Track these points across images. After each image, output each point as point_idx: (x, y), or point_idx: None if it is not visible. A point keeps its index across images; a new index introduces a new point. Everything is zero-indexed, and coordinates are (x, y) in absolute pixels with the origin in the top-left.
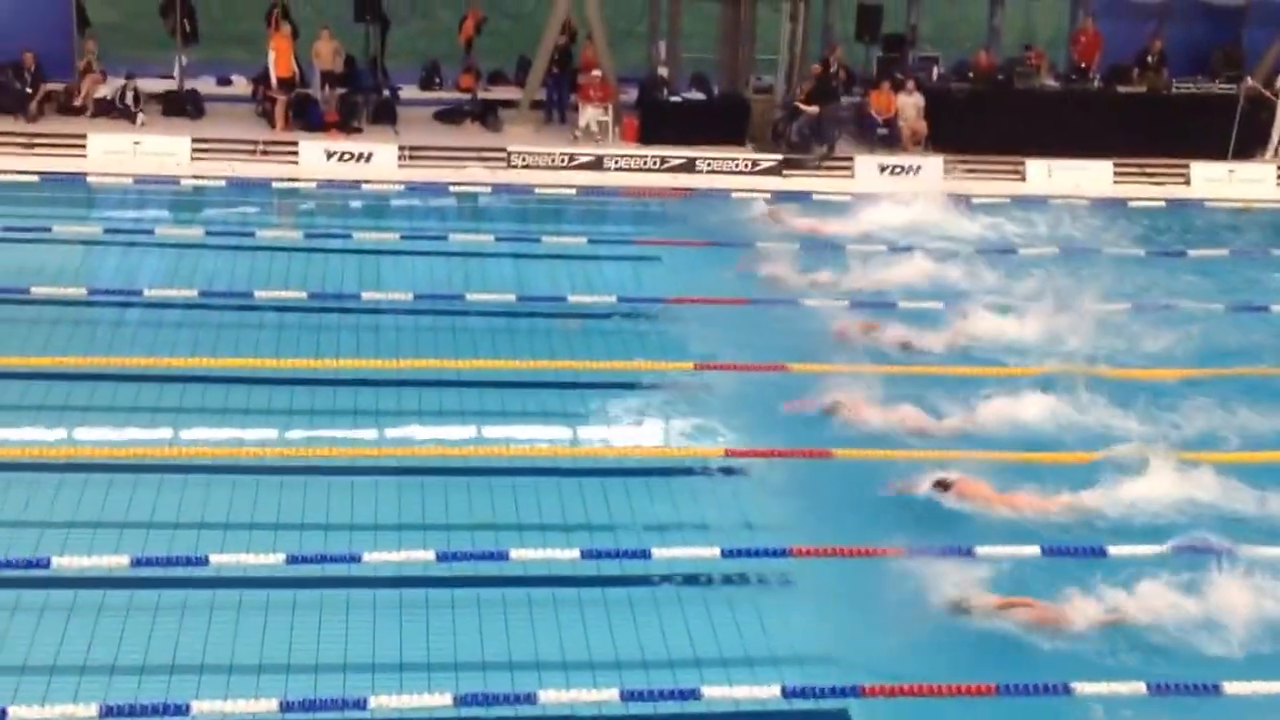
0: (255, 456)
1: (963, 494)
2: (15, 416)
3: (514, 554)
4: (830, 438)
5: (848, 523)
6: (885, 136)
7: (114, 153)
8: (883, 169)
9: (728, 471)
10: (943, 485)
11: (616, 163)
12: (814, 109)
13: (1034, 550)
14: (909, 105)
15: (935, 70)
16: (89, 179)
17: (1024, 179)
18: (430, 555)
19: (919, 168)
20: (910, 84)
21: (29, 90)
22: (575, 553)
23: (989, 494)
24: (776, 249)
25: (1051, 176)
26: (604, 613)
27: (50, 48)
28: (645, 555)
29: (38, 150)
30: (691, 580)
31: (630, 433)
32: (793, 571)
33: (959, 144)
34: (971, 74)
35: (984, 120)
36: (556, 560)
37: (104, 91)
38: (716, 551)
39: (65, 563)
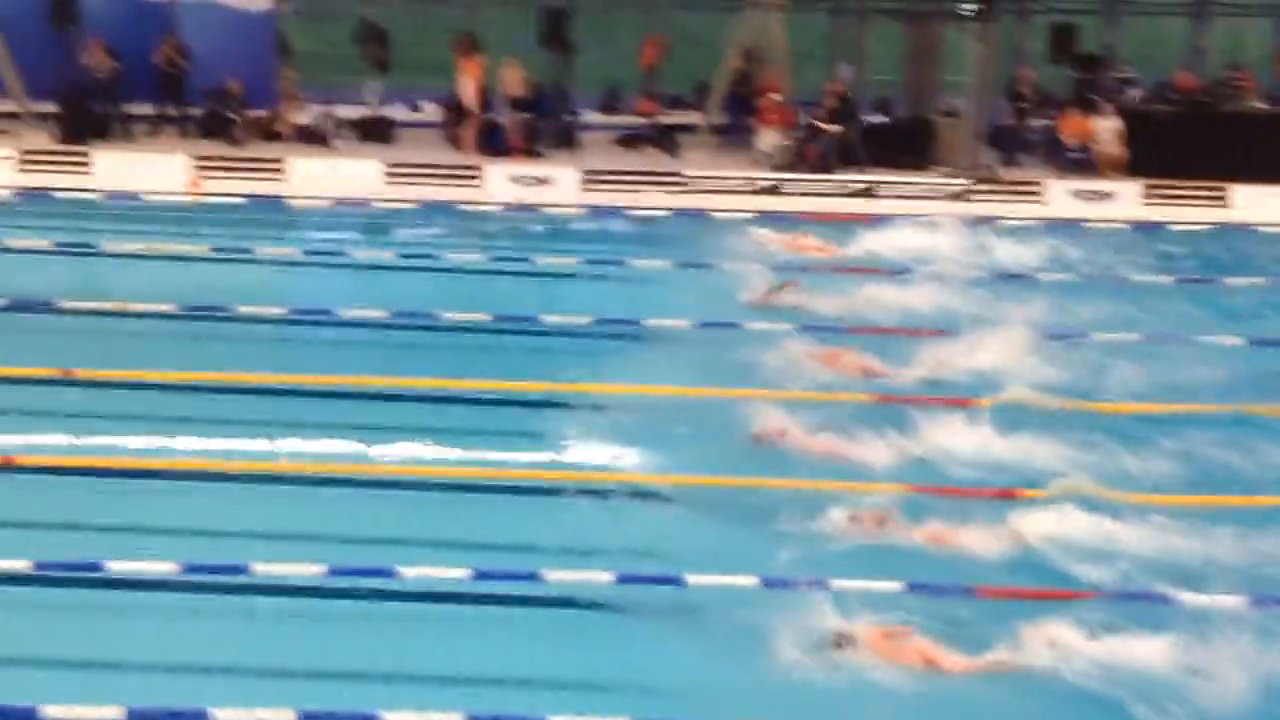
0: (440, 475)
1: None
2: (218, 428)
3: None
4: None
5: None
6: (1079, 161)
7: (312, 176)
8: (1075, 194)
9: None
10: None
11: (796, 187)
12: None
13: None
14: (1105, 129)
15: (1133, 92)
16: (289, 201)
17: (1228, 206)
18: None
19: (1114, 193)
20: (1106, 107)
21: (234, 117)
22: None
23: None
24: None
25: (1258, 204)
26: None
27: (254, 76)
28: None
29: (242, 174)
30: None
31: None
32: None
33: (1159, 169)
34: (1173, 96)
35: (1186, 144)
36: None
37: (303, 118)
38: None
39: (263, 569)
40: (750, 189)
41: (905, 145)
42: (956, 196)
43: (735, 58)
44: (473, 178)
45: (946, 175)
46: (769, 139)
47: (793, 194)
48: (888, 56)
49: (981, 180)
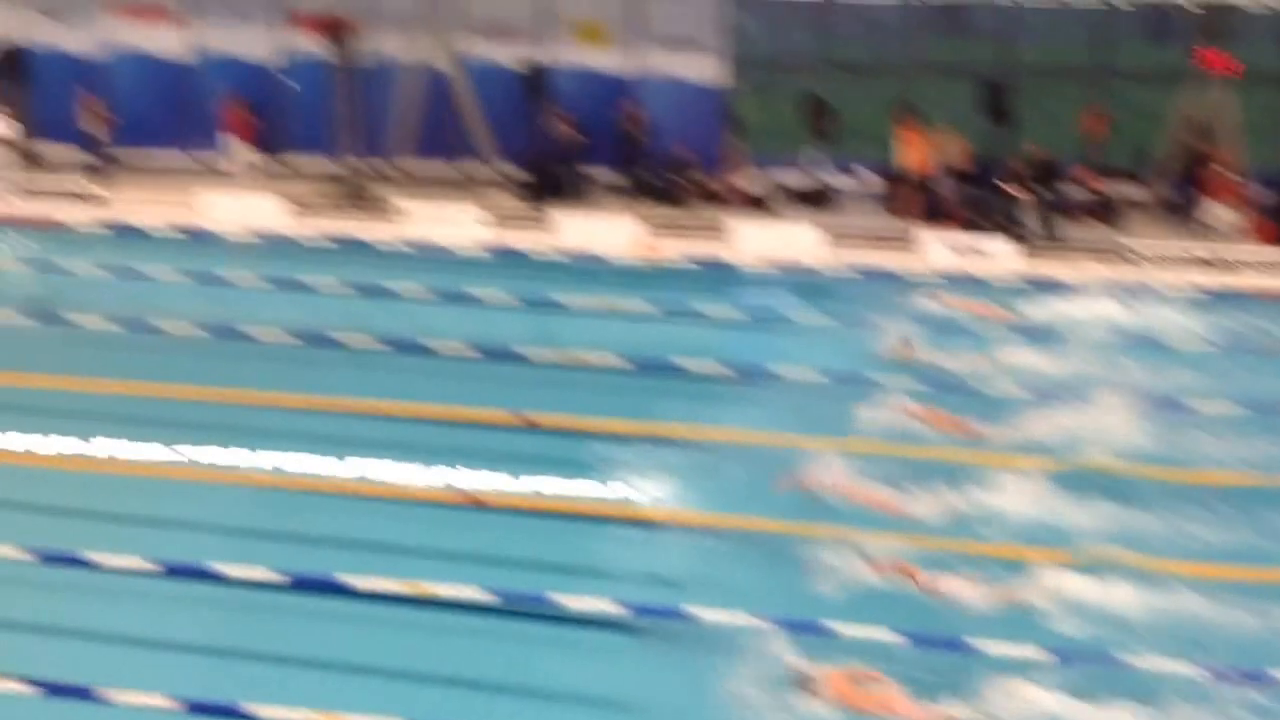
0: None
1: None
2: (660, 476)
3: None
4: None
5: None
6: None
7: (753, 240)
8: None
9: None
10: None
11: (1246, 264)
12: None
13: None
14: None
15: None
16: (731, 264)
17: None
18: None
19: None
20: None
21: (684, 182)
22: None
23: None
24: None
25: None
26: None
27: (704, 144)
28: None
29: (689, 236)
30: None
31: None
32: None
33: None
34: None
35: None
36: None
37: (748, 184)
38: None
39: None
40: (1197, 263)
41: None
42: None
43: (1182, 130)
44: (911, 244)
45: None
46: (1217, 212)
47: (1243, 271)
48: None
49: None
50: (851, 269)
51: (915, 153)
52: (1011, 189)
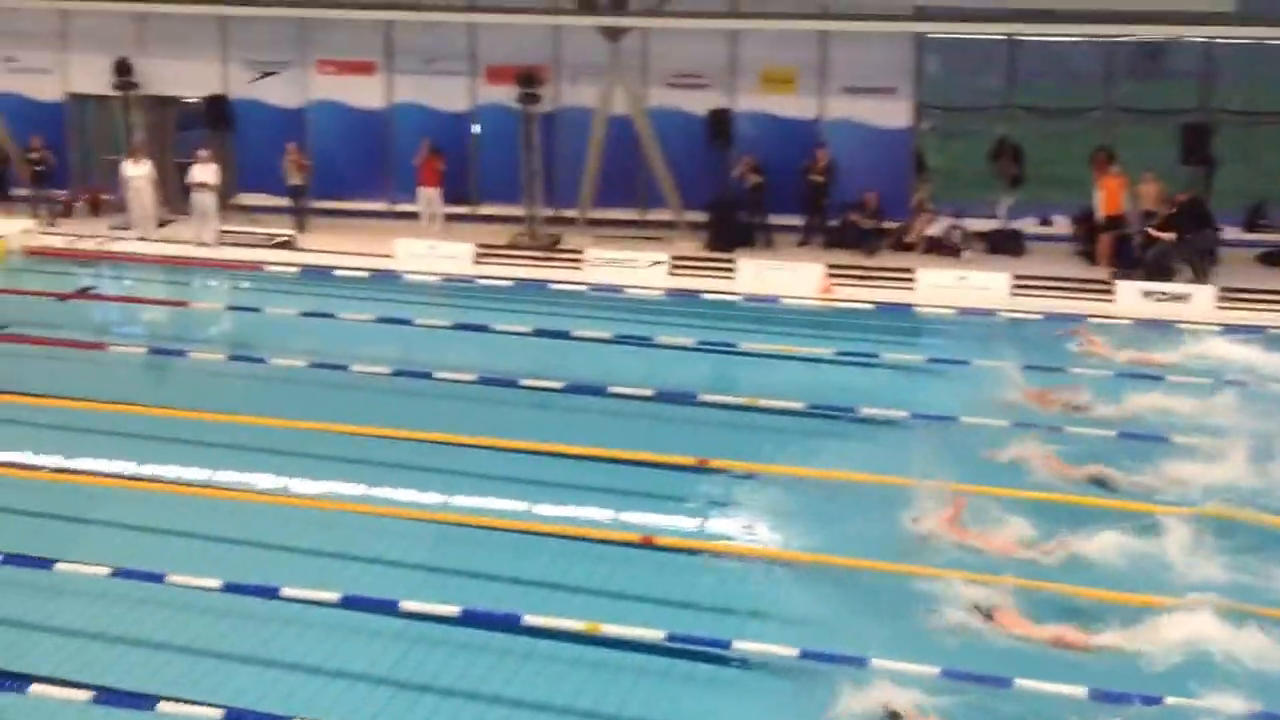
0: None
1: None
2: (825, 523)
3: None
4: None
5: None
6: None
7: (940, 286)
8: None
9: None
10: (985, 615)
11: None
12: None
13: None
14: None
15: None
16: (916, 309)
17: None
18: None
19: None
20: None
21: (869, 227)
22: None
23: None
24: None
25: None
26: None
27: (890, 189)
28: None
29: (873, 282)
30: None
31: None
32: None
33: None
34: None
35: None
36: None
37: (934, 230)
38: None
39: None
40: None
41: None
42: None
43: None
44: (1104, 291)
45: None
46: None
47: None
48: None
49: None
50: (1040, 315)
51: (1111, 197)
52: (1162, 234)
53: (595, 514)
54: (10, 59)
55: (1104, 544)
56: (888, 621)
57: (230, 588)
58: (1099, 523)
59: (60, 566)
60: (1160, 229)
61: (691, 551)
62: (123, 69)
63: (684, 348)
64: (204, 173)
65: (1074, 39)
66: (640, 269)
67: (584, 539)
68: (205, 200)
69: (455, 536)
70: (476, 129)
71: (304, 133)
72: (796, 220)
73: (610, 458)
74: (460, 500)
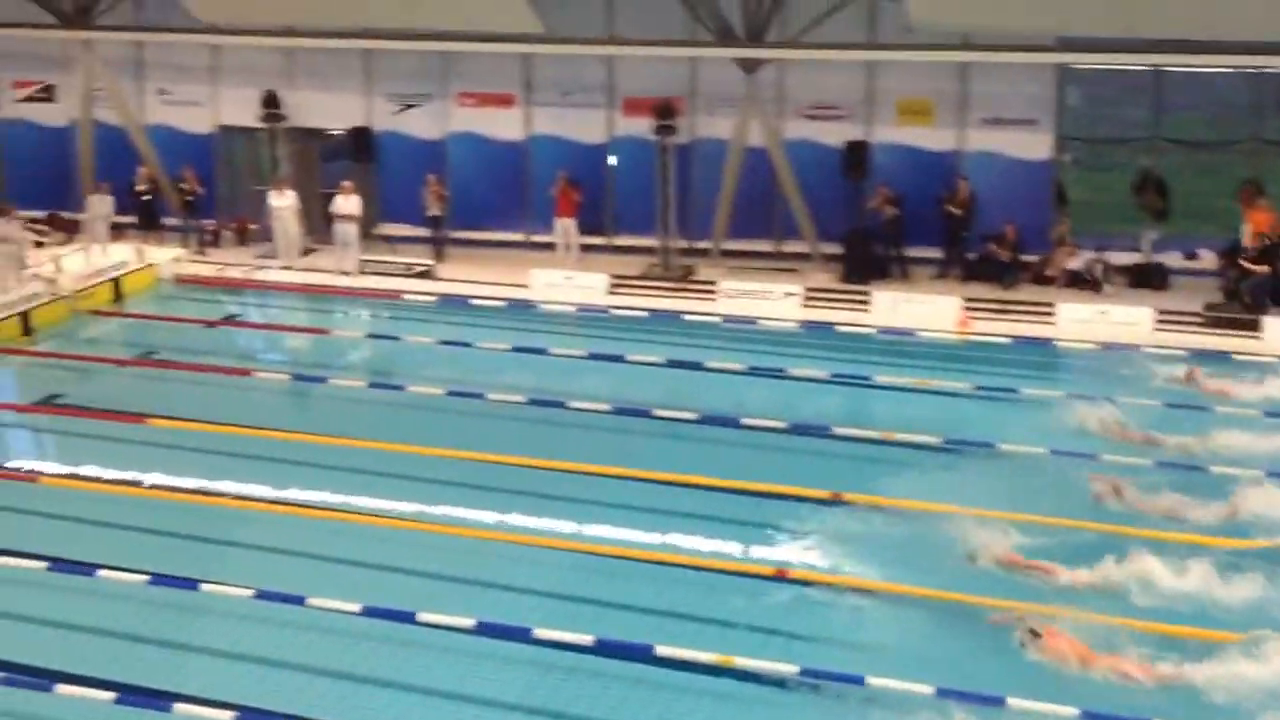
0: None
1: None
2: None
3: None
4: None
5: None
6: None
7: (1080, 321)
8: None
9: None
10: (1033, 633)
11: None
12: (1263, 269)
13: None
14: None
15: None
16: (1055, 344)
17: None
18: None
19: None
20: None
21: (1008, 260)
22: None
23: (1079, 650)
24: None
25: None
26: None
27: (1030, 222)
28: None
29: (1011, 316)
30: None
31: None
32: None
33: None
34: None
35: None
36: None
37: (1074, 263)
38: None
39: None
40: None
41: None
42: None
43: None
44: (1252, 327)
45: None
46: None
47: None
48: None
49: None
50: (1184, 351)
51: (1260, 231)
52: (1255, 267)
53: (728, 546)
54: (164, 91)
55: (1166, 576)
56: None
57: (369, 611)
58: (1160, 553)
59: (205, 587)
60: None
61: (825, 585)
62: (270, 102)
63: (817, 380)
64: (347, 204)
65: (1220, 70)
66: (774, 300)
67: (717, 570)
68: (348, 231)
69: (589, 565)
70: (612, 160)
71: (444, 164)
72: (932, 253)
73: (743, 489)
74: (593, 529)
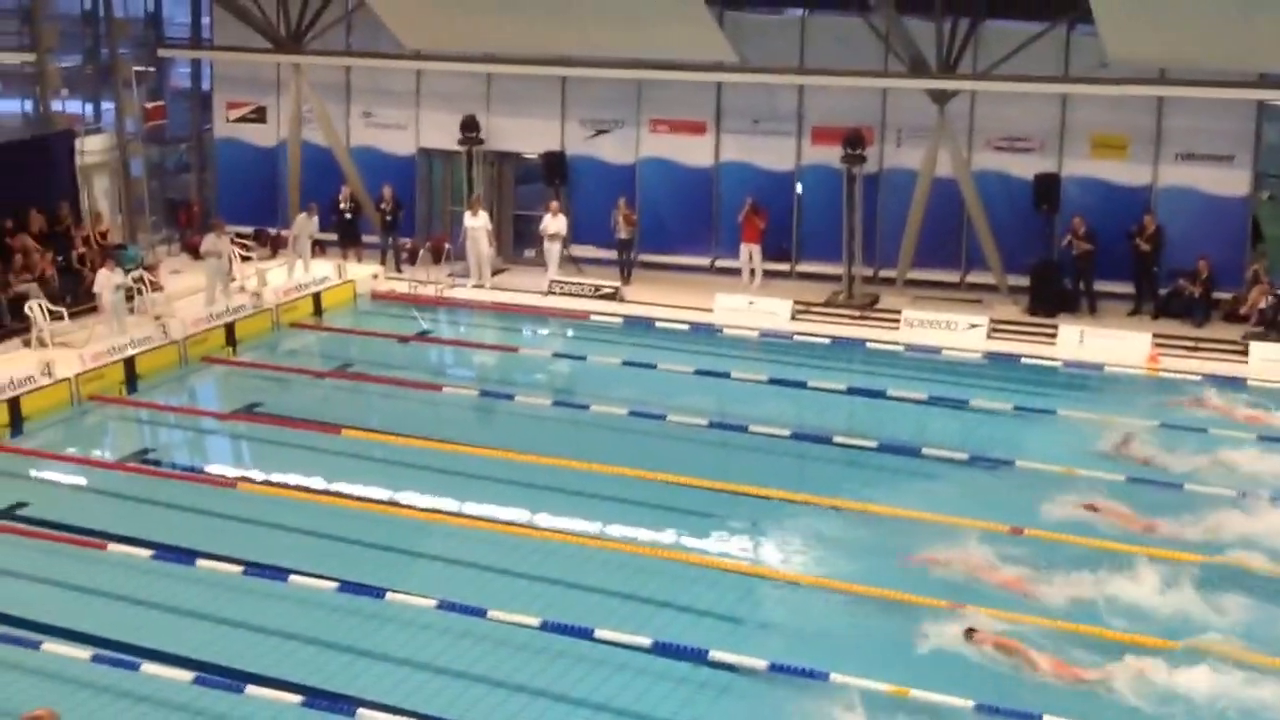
0: None
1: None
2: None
3: None
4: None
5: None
6: None
7: (1273, 360)
8: None
9: None
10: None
11: None
12: None
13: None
14: None
15: None
16: (1247, 383)
17: None
18: None
19: None
20: None
21: (1200, 298)
22: None
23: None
24: None
25: None
26: None
27: (1224, 259)
28: None
29: (1202, 353)
30: None
31: None
32: None
33: None
34: None
35: None
36: None
37: (1267, 302)
38: None
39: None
40: None
41: None
42: None
43: None
44: None
45: None
46: None
47: None
48: None
49: None
50: None
51: None
52: None
53: (904, 576)
54: (368, 114)
55: (1118, 587)
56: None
57: (547, 626)
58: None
59: (391, 595)
60: None
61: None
62: (469, 125)
63: (1001, 412)
64: (555, 224)
65: None
66: (958, 331)
67: (892, 601)
68: (554, 250)
69: (763, 590)
70: (799, 188)
71: (633, 188)
72: (1121, 288)
73: (924, 520)
74: (769, 554)
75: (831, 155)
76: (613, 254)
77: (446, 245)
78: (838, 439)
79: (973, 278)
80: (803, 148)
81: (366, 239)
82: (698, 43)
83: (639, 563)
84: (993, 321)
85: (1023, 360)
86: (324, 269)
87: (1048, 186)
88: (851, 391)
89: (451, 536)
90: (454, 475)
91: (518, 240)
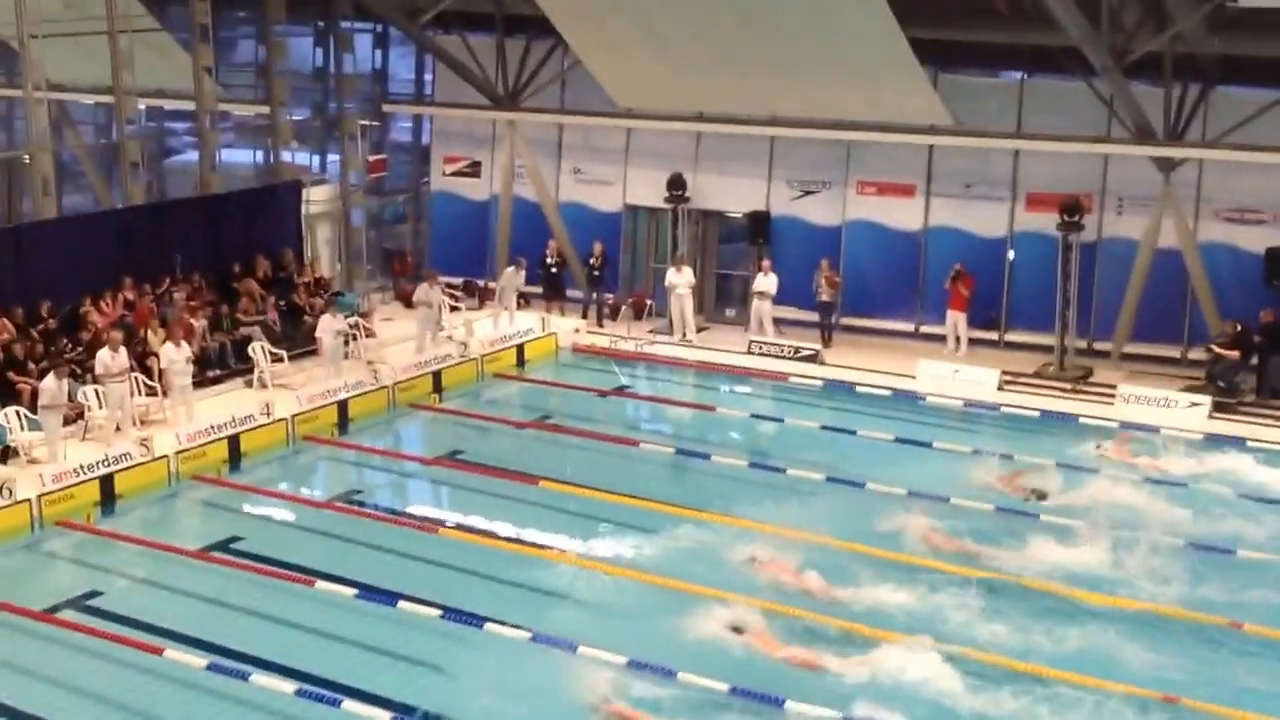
0: None
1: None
2: None
3: None
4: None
5: None
6: None
7: None
8: None
9: None
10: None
11: None
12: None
13: None
14: None
15: None
16: None
17: None
18: None
19: None
20: None
21: None
22: None
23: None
24: None
25: None
26: None
27: None
28: None
29: None
30: None
31: None
32: None
33: None
34: None
35: None
36: None
37: None
38: None
39: None
40: None
41: None
42: None
43: None
44: None
45: None
46: None
47: None
48: None
49: None
50: None
51: None
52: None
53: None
54: (578, 170)
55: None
56: None
57: (736, 691)
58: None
59: (583, 649)
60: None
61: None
62: (676, 183)
63: (1221, 498)
64: (765, 282)
65: None
66: (1178, 410)
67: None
68: (765, 308)
69: (956, 668)
70: (1011, 254)
71: (838, 250)
72: None
73: (1136, 609)
74: (961, 628)
75: (1046, 222)
76: (813, 316)
77: (649, 301)
78: (1044, 517)
79: (1195, 354)
80: (1016, 213)
81: (570, 293)
82: (913, 105)
83: (825, 632)
84: (1216, 400)
85: (1248, 443)
86: (528, 321)
87: (1276, 258)
88: (1060, 465)
89: (642, 593)
90: (648, 533)
91: (719, 299)
